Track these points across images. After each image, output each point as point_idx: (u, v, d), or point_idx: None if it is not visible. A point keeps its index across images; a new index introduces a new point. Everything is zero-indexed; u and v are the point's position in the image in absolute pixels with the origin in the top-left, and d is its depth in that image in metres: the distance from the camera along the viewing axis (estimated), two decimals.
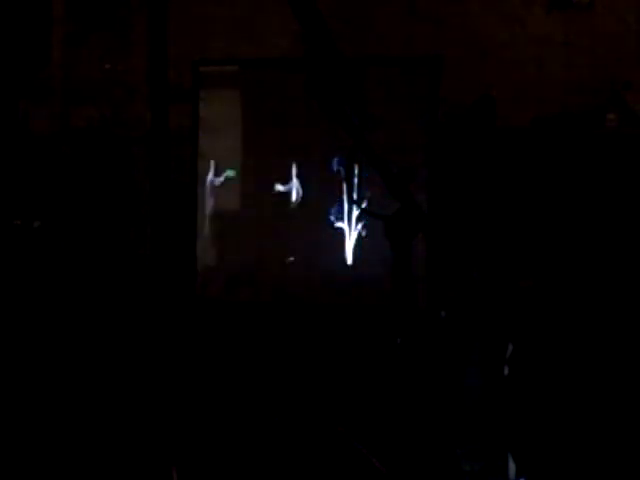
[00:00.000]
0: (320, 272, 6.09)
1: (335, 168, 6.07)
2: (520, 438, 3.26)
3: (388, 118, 5.90)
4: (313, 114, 5.80)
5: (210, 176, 6.35)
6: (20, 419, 4.39)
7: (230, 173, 6.25)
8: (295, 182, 6.20)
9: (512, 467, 3.52)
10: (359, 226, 6.07)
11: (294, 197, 6.21)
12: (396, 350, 5.29)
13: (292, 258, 6.16)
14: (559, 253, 5.06)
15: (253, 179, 6.31)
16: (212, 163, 6.35)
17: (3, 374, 4.98)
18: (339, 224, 6.11)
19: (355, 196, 6.00)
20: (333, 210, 6.11)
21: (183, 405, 4.75)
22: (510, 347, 3.55)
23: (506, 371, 3.51)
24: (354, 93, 5.24)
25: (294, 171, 6.20)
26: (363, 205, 5.98)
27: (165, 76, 5.83)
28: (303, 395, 5.00)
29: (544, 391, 3.20)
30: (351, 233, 6.09)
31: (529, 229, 5.44)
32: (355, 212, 6.06)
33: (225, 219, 6.36)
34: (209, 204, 6.36)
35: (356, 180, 6.02)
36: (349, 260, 6.10)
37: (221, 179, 6.34)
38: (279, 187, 6.22)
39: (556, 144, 5.64)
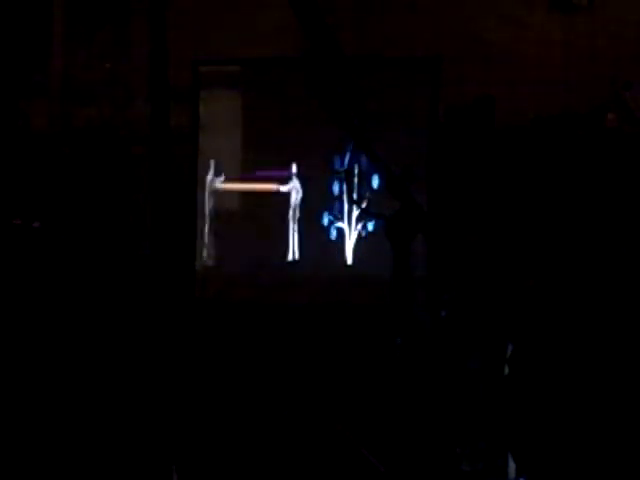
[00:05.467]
0: (320, 272, 6.09)
1: (337, 167, 6.08)
2: (520, 438, 3.26)
3: (388, 118, 5.90)
4: (313, 114, 5.80)
5: (210, 176, 6.35)
6: (20, 419, 4.39)
7: None
8: (295, 182, 6.20)
9: (512, 467, 3.52)
10: (359, 226, 6.08)
11: (294, 197, 6.21)
12: (396, 350, 5.29)
13: (291, 258, 6.16)
14: (560, 253, 5.06)
15: (253, 179, 6.31)
16: (212, 163, 6.35)
17: (2, 374, 4.98)
18: (339, 224, 6.11)
19: (355, 196, 6.00)
20: (333, 210, 6.11)
21: (183, 405, 4.75)
22: (510, 347, 3.55)
23: (506, 371, 3.51)
24: (354, 93, 5.24)
25: (294, 171, 6.20)
26: (363, 205, 5.98)
27: (165, 76, 5.82)
28: (303, 395, 5.00)
29: (544, 391, 3.20)
30: (351, 233, 6.09)
31: (529, 229, 5.44)
32: (355, 212, 6.07)
33: (225, 219, 6.36)
34: (209, 204, 6.36)
35: (356, 180, 6.02)
36: (349, 260, 6.10)
37: (221, 179, 6.34)
38: (279, 187, 6.22)
39: (556, 144, 5.64)
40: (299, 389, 5.09)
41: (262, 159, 6.26)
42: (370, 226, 6.03)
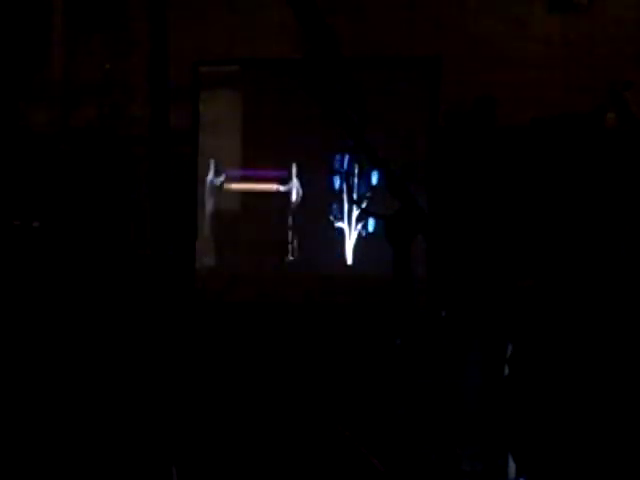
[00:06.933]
0: (320, 272, 6.09)
1: (336, 167, 6.08)
2: (520, 438, 3.27)
3: (388, 118, 5.89)
4: (313, 114, 5.80)
5: (210, 176, 6.35)
6: (20, 419, 4.39)
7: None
8: (295, 182, 6.20)
9: (512, 467, 3.53)
10: (359, 226, 6.08)
11: (294, 197, 6.21)
12: (396, 350, 5.29)
13: (291, 257, 6.16)
14: (559, 253, 5.06)
15: (253, 179, 6.31)
16: (212, 163, 6.35)
17: (2, 374, 4.98)
18: (339, 224, 6.11)
19: (355, 196, 6.00)
20: (333, 210, 6.11)
21: (183, 405, 4.75)
22: (510, 347, 3.55)
23: (506, 371, 3.51)
24: (354, 92, 5.23)
25: (294, 171, 6.20)
26: (363, 205, 5.98)
27: (165, 76, 5.82)
28: (303, 395, 5.00)
29: (544, 391, 3.20)
30: (351, 233, 6.09)
31: (529, 229, 5.44)
32: (355, 212, 6.07)
33: (225, 219, 6.36)
34: (209, 204, 6.36)
35: (356, 180, 6.02)
36: (349, 260, 6.10)
37: (221, 179, 6.34)
38: (279, 187, 6.22)
39: (556, 144, 5.64)
40: (299, 389, 5.09)
41: (262, 159, 6.26)
42: (370, 226, 6.02)
